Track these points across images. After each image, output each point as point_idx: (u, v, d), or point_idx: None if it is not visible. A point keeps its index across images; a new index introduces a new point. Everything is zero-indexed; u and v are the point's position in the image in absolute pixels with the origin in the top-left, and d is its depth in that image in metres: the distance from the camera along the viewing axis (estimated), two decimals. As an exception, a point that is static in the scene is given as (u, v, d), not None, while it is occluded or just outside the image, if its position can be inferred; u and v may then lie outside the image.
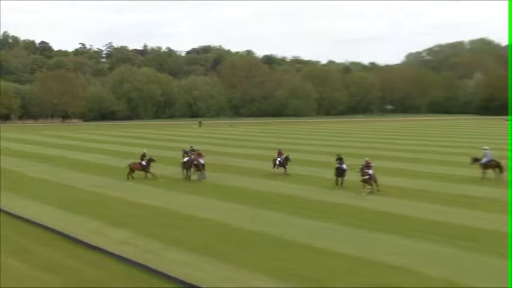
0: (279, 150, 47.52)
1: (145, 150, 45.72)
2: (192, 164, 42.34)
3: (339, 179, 38.08)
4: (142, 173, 43.04)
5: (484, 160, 42.05)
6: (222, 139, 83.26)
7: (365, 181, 35.37)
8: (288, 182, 41.03)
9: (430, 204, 32.39)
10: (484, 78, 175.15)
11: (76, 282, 19.83)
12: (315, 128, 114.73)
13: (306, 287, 19.13)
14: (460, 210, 30.65)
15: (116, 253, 22.78)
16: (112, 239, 25.30)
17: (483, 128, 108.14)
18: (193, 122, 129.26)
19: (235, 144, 74.14)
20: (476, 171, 42.46)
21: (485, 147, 43.70)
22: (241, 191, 37.54)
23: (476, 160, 42.71)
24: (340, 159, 38.54)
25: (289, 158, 45.53)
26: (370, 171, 35.54)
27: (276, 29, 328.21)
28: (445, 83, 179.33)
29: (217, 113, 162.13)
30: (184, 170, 42.29)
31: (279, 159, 45.38)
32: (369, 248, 23.38)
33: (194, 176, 42.42)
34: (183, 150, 45.47)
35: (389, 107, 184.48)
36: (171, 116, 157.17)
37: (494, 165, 41.56)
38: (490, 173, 41.70)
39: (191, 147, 47.26)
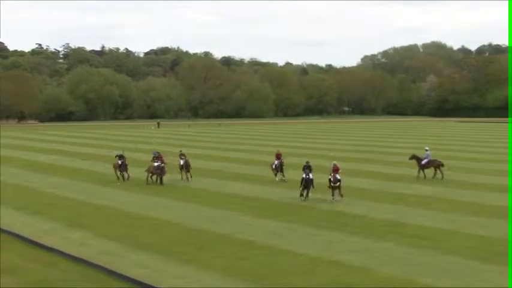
0: (278, 151, 42.88)
1: (121, 152, 43.39)
2: (163, 170, 40.26)
3: (305, 190, 33.73)
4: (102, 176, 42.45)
5: (424, 161, 42.63)
6: (180, 140, 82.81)
7: (334, 187, 33.00)
8: (247, 183, 40.91)
9: (386, 204, 32.71)
10: (437, 81, 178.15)
11: (33, 284, 19.41)
12: (273, 129, 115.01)
13: (264, 287, 19.10)
14: (413, 210, 31.05)
15: (74, 254, 22.39)
16: (70, 240, 24.89)
17: (436, 129, 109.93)
18: (152, 123, 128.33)
19: (194, 145, 73.73)
20: (425, 171, 42.91)
21: (426, 148, 44.49)
22: (200, 192, 37.32)
23: (415, 157, 43.17)
24: (308, 168, 34.02)
25: (283, 162, 41.64)
26: (338, 176, 33.15)
27: (234, 31, 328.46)
28: (400, 85, 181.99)
29: (175, 114, 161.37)
30: (150, 175, 40.33)
31: (275, 163, 41.46)
32: (327, 247, 23.48)
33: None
34: (153, 153, 42.29)
35: (345, 108, 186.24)
36: (129, 117, 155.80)
37: (436, 164, 42.34)
38: (429, 172, 42.29)
39: (180, 151, 44.60)
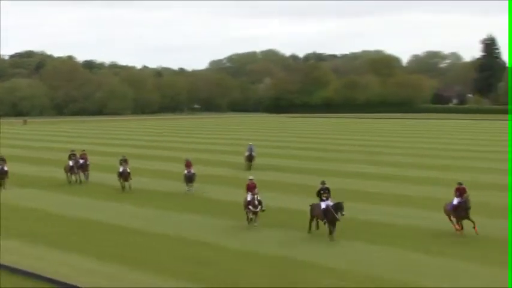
0: (187, 160, 33.98)
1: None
2: (80, 167, 36.71)
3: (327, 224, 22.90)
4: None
5: (253, 153, 42.19)
6: (49, 135, 79.23)
7: (255, 212, 24.43)
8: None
9: (236, 189, 32.67)
10: (272, 83, 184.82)
11: None
12: (135, 125, 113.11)
13: (133, 268, 19.00)
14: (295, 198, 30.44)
15: None
16: None
17: (274, 124, 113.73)
18: (18, 121, 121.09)
19: (64, 140, 70.84)
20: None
21: (250, 142, 44.00)
22: (95, 186, 35.81)
23: (247, 156, 42.40)
24: (326, 191, 23.18)
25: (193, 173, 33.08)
26: (259, 197, 24.43)
27: (95, 35, 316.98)
28: (242, 86, 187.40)
29: (41, 112, 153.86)
30: (69, 174, 36.45)
31: (185, 172, 32.97)
32: (188, 229, 23.90)
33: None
34: (71, 151, 37.94)
35: (196, 106, 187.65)
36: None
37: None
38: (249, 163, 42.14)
39: (123, 156, 35.56)
